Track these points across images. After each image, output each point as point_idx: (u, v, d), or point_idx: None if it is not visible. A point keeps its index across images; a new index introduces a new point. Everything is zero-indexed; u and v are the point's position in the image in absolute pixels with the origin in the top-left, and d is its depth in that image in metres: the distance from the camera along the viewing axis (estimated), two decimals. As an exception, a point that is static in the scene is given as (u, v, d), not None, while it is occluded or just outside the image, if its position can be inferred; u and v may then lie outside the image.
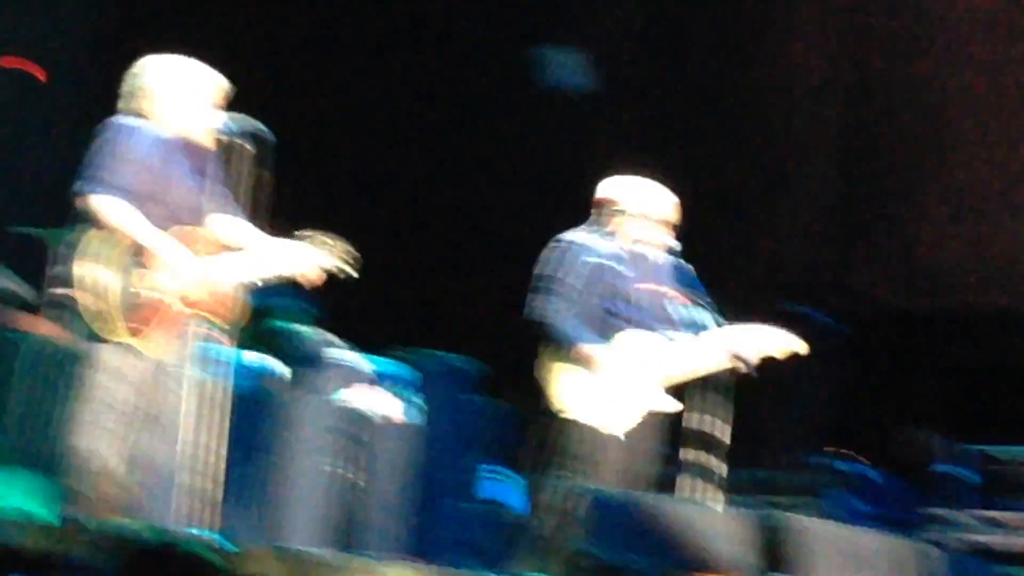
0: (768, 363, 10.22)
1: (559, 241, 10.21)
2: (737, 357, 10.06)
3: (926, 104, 16.92)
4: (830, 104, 17.47)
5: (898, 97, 17.24)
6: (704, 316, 10.13)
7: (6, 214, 11.62)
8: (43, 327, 10.24)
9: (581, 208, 10.51)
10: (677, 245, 10.40)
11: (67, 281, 8.39)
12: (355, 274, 8.99)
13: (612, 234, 10.27)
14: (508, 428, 12.85)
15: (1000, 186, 16.43)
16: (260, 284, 9.11)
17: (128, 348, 8.43)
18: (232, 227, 8.77)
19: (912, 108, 17.04)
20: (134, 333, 8.42)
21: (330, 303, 11.26)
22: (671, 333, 10.19)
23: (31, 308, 11.02)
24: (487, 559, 10.94)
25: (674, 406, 10.21)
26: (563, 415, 9.98)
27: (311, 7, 15.64)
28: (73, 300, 8.36)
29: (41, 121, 13.61)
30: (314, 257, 8.83)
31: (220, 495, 8.95)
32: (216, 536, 8.02)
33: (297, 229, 8.90)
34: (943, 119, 16.82)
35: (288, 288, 9.81)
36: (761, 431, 12.38)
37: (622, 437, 10.08)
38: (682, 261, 10.36)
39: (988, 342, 14.70)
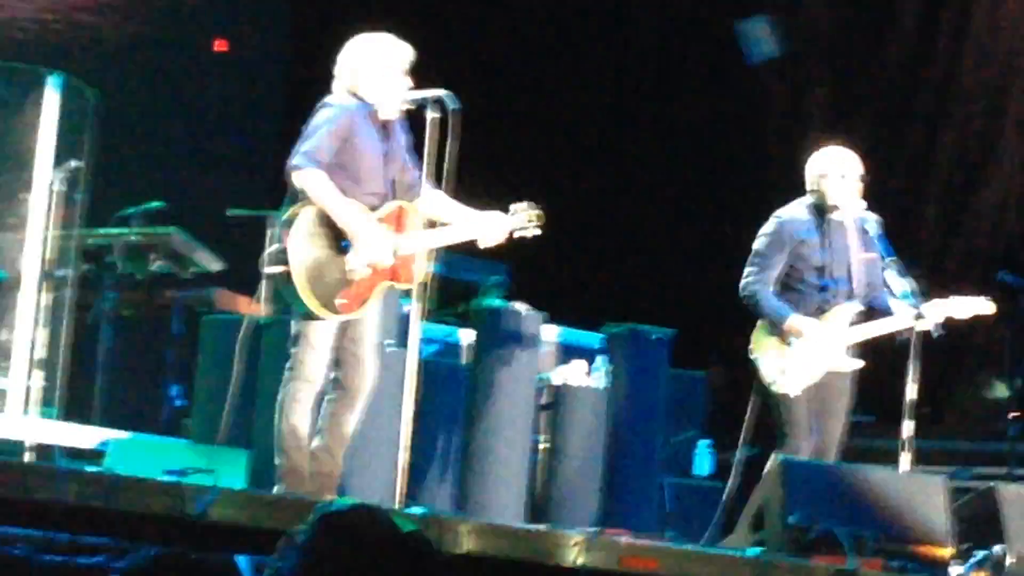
0: (969, 331, 10.17)
1: (773, 217, 10.18)
2: (931, 322, 9.94)
3: None
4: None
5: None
6: (901, 280, 9.99)
7: (221, 197, 11.60)
8: (246, 305, 10.31)
9: (796, 181, 10.37)
10: (874, 216, 10.22)
11: (278, 259, 8.51)
12: (539, 233, 8.98)
13: (819, 205, 10.18)
14: (700, 397, 12.73)
15: None
16: (451, 253, 9.31)
17: (332, 324, 8.53)
18: (435, 201, 8.79)
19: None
20: (339, 309, 8.51)
21: (526, 277, 11.19)
22: (872, 298, 10.15)
23: (231, 285, 11.19)
24: (690, 531, 10.74)
25: (858, 363, 10.15)
26: (774, 389, 9.95)
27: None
28: (284, 278, 8.48)
29: (249, 105, 13.71)
30: (505, 223, 8.86)
31: (416, 467, 9.08)
32: (420, 510, 7.98)
33: (492, 198, 8.91)
34: None
35: (483, 262, 9.81)
36: (964, 401, 12.01)
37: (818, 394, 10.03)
38: (876, 223, 10.21)
39: None
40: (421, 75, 8.90)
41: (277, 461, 8.60)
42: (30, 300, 10.51)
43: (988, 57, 15.67)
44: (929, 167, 15.55)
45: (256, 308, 9.68)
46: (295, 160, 8.50)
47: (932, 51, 16.03)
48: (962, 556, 9.23)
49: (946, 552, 9.16)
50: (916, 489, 9.59)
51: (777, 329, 10.05)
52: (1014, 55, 16.23)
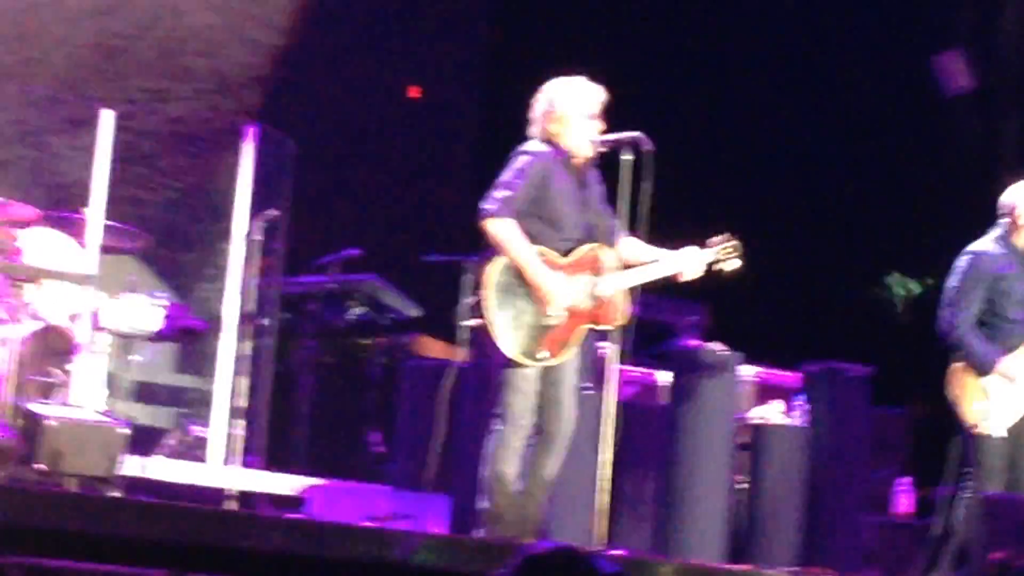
0: None
1: (965, 253, 10.03)
2: None
3: None
4: None
5: None
6: None
7: (417, 243, 11.80)
8: (445, 351, 10.46)
9: (989, 217, 10.22)
10: None
11: (476, 312, 8.63)
12: (739, 264, 9.07)
13: (1012, 241, 10.02)
14: (900, 434, 12.65)
15: None
16: (648, 294, 9.17)
17: (535, 369, 8.59)
18: (631, 245, 8.86)
19: None
20: (540, 357, 8.57)
21: (723, 316, 11.21)
22: None
23: (424, 330, 11.30)
24: (892, 570, 10.82)
25: None
26: (977, 430, 9.82)
27: (692, 17, 15.30)
28: (482, 328, 8.60)
29: (443, 150, 13.77)
30: (704, 257, 8.94)
31: (615, 509, 9.11)
32: (619, 551, 8.10)
33: (688, 239, 8.94)
34: None
35: (680, 302, 9.85)
36: None
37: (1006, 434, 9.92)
38: None
39: None
40: (614, 117, 8.89)
41: (482, 505, 8.65)
42: (230, 349, 10.72)
43: None
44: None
45: (455, 354, 9.68)
46: (488, 206, 8.60)
47: None
48: None
49: None
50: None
51: (980, 371, 9.88)
52: None
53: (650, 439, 10.61)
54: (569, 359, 8.71)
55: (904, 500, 12.28)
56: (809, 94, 15.35)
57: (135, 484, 9.21)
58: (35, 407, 8.94)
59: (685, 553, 10.08)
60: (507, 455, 8.59)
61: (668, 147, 8.85)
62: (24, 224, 10.13)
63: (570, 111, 8.78)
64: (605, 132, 8.83)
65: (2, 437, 8.61)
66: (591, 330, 8.86)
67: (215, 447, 10.58)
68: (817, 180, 14.70)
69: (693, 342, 11.11)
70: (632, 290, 9.01)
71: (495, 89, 12.05)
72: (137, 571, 6.63)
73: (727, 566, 9.62)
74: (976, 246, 10.04)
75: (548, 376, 8.67)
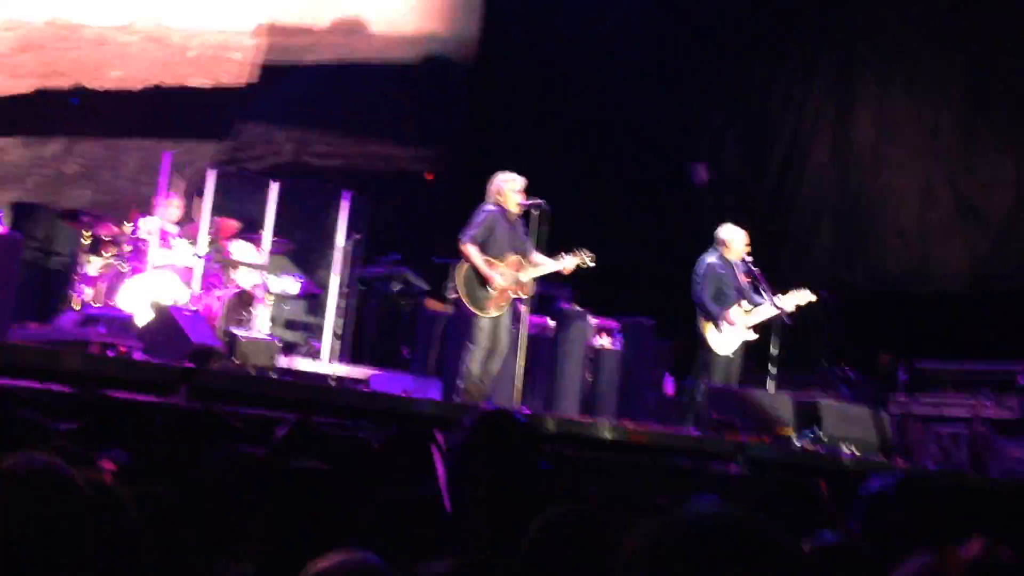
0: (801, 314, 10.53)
1: (702, 261, 10.37)
2: (782, 311, 10.29)
3: None
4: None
5: None
6: (765, 292, 10.33)
7: (430, 250, 11.51)
8: (441, 306, 10.69)
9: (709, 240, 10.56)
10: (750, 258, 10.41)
11: (454, 288, 9.23)
12: (593, 264, 9.45)
13: (722, 253, 10.43)
14: (669, 355, 12.51)
15: None
16: (542, 279, 9.64)
17: (487, 315, 9.16)
18: (537, 256, 9.33)
19: None
20: (489, 308, 9.17)
21: (583, 290, 11.27)
22: (753, 301, 10.38)
23: (431, 296, 11.21)
24: (662, 420, 10.81)
25: (753, 335, 10.43)
26: (708, 349, 10.31)
27: (569, 147, 14.46)
28: (460, 296, 9.19)
29: (444, 207, 13.07)
30: (575, 261, 9.39)
31: (524, 390, 9.47)
32: (520, 409, 8.48)
33: (563, 249, 9.40)
34: None
35: (558, 284, 10.30)
36: (804, 354, 12.26)
37: (731, 356, 10.36)
38: (751, 265, 10.41)
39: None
40: (530, 191, 9.36)
41: (460, 386, 9.14)
42: (332, 304, 10.87)
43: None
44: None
45: (447, 309, 10.07)
46: (462, 236, 9.15)
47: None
48: (799, 433, 9.62)
49: (791, 432, 9.59)
50: (776, 401, 10.00)
51: (713, 321, 10.27)
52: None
53: (543, 354, 10.70)
54: (504, 313, 9.24)
55: (669, 385, 12.27)
56: (620, 179, 14.61)
57: (284, 371, 9.46)
58: (234, 330, 9.31)
59: (560, 411, 10.31)
60: (473, 361, 9.11)
61: (556, 208, 9.35)
62: (230, 237, 10.21)
63: (506, 189, 9.26)
64: (525, 199, 9.30)
65: (219, 346, 8.74)
66: (515, 298, 9.33)
67: (325, 353, 10.69)
68: (630, 221, 14.10)
69: (566, 304, 11.25)
70: (536, 278, 9.48)
71: (470, 174, 11.88)
72: (281, 414, 6.29)
73: (579, 418, 9.80)
74: (707, 257, 10.40)
75: (494, 322, 9.20)
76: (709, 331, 10.31)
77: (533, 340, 9.86)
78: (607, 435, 8.33)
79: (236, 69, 13.28)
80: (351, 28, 14.10)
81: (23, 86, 12.19)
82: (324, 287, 10.97)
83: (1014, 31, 13.31)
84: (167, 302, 9.08)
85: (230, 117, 13.03)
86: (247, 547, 3.13)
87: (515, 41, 14.40)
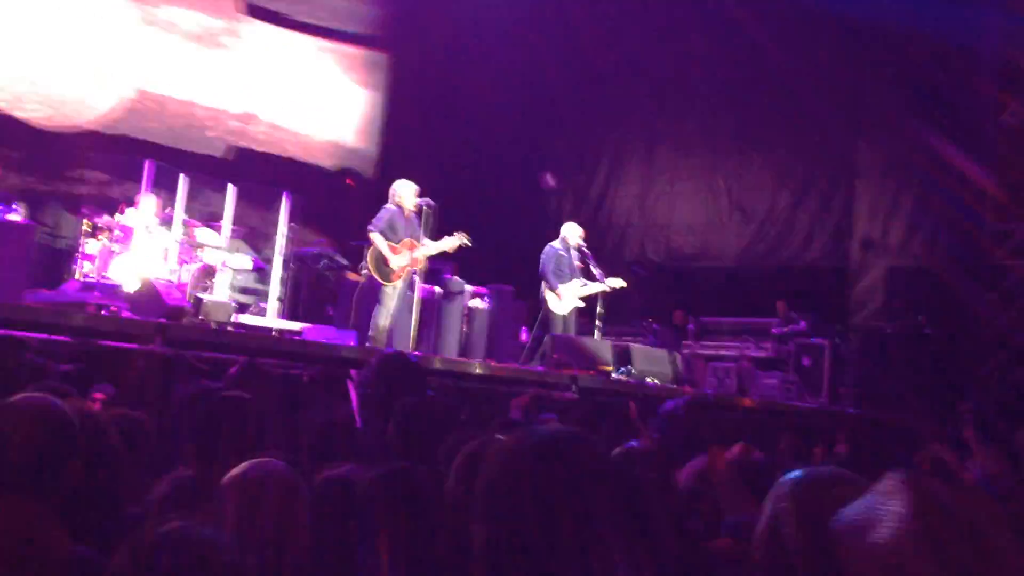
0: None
1: (549, 247, 10.22)
2: (608, 285, 10.28)
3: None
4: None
5: None
6: (596, 271, 10.24)
7: (352, 236, 10.72)
8: (356, 277, 10.19)
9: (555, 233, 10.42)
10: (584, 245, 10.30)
11: (366, 265, 9.01)
12: (469, 245, 9.26)
13: (564, 241, 10.31)
14: (523, 311, 11.92)
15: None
16: (432, 256, 9.30)
17: (391, 285, 8.95)
18: (423, 240, 9.11)
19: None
20: (392, 279, 8.95)
21: (462, 264, 10.97)
22: (582, 279, 10.27)
23: (350, 270, 10.79)
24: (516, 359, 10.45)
25: (582, 304, 10.28)
26: (550, 310, 10.17)
27: (457, 165, 13.83)
28: (369, 270, 8.98)
29: (359, 206, 12.02)
30: (453, 242, 9.19)
31: (416, 337, 9.25)
32: (413, 352, 8.39)
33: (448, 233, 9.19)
34: None
35: (444, 258, 10.22)
36: (621, 312, 12.05)
37: (567, 315, 10.19)
38: (585, 249, 10.31)
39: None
40: (423, 192, 9.14)
41: (370, 335, 8.91)
42: (276, 275, 10.52)
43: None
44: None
45: (360, 279, 9.69)
46: (371, 226, 8.92)
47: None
48: (616, 369, 9.61)
49: (611, 368, 9.57)
50: (601, 346, 9.96)
51: (553, 290, 10.12)
52: None
53: (431, 314, 10.49)
54: (403, 283, 9.02)
55: (524, 335, 11.60)
56: (492, 186, 14.27)
57: (238, 325, 9.03)
58: (200, 295, 9.00)
59: (443, 354, 10.09)
60: (380, 318, 8.90)
61: (441, 205, 9.18)
62: (196, 226, 9.99)
63: (403, 192, 9.06)
64: (418, 199, 9.08)
65: (187, 307, 8.33)
66: (411, 272, 9.10)
67: (270, 312, 10.39)
68: (499, 215, 13.62)
69: (449, 275, 11.01)
70: (426, 256, 9.17)
71: (384, 182, 11.58)
72: (234, 357, 6.07)
73: (458, 359, 9.66)
74: (552, 244, 10.25)
75: (395, 290, 8.97)
76: (551, 298, 10.23)
77: (424, 303, 9.73)
78: (477, 371, 8.30)
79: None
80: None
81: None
82: (270, 262, 10.69)
83: (769, 83, 13.37)
84: (148, 274, 8.79)
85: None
86: (191, 456, 3.10)
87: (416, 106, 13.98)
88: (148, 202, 9.76)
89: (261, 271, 10.45)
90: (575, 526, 1.47)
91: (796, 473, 1.95)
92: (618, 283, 10.46)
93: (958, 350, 11.00)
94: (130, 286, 8.66)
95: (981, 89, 11.77)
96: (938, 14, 11.26)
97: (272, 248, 10.80)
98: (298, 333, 9.20)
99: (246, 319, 9.40)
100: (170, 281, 8.96)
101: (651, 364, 9.91)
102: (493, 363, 9.08)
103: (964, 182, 11.68)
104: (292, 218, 10.80)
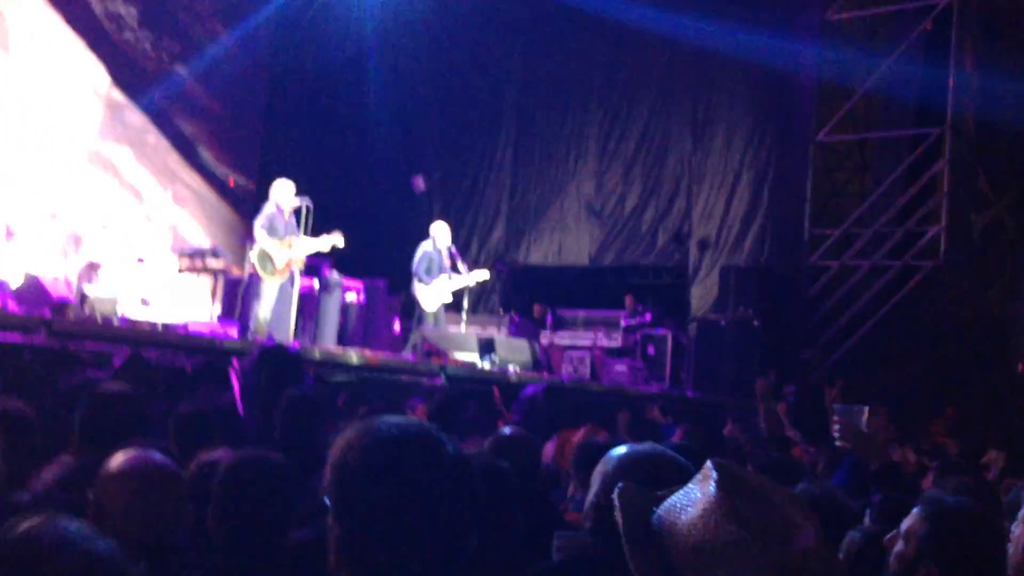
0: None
1: (419, 248, 10.11)
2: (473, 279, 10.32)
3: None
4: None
5: None
6: (462, 268, 10.23)
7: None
8: (240, 272, 9.85)
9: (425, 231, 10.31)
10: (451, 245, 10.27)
11: (250, 260, 8.88)
12: (343, 244, 9.13)
13: (433, 241, 10.19)
14: (396, 304, 11.80)
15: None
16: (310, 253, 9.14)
17: (272, 280, 8.83)
18: (303, 240, 9.00)
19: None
20: (273, 274, 8.83)
21: (337, 260, 10.67)
22: (450, 274, 10.18)
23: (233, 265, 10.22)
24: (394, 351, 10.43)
25: (450, 299, 10.26)
26: (420, 305, 10.14)
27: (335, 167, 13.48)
28: (253, 266, 8.86)
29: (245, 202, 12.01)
30: (331, 241, 9.06)
31: (296, 328, 9.20)
32: (293, 343, 8.27)
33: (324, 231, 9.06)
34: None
35: (322, 256, 10.12)
36: (486, 305, 12.50)
37: (436, 310, 10.15)
38: (453, 248, 10.27)
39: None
40: (300, 192, 8.99)
41: (252, 327, 8.75)
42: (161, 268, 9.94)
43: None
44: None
45: (244, 273, 9.55)
46: (255, 223, 8.79)
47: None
48: (481, 358, 9.59)
49: (476, 357, 9.56)
50: (467, 336, 10.06)
51: (424, 285, 10.00)
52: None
53: (310, 307, 10.19)
54: (284, 278, 8.89)
55: (396, 326, 11.70)
56: (369, 188, 14.13)
57: (123, 318, 8.28)
58: (86, 289, 8.66)
59: (321, 344, 9.81)
60: (261, 310, 8.78)
61: (322, 205, 9.19)
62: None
63: (282, 193, 8.91)
64: (296, 199, 8.95)
65: (72, 301, 8.14)
66: (291, 268, 8.94)
67: (154, 305, 9.62)
68: (375, 216, 13.64)
69: (327, 271, 10.67)
70: (305, 253, 9.03)
71: (264, 183, 11.19)
72: (119, 348, 5.98)
73: (339, 348, 9.40)
74: (423, 244, 10.12)
75: (276, 285, 8.86)
76: (421, 293, 10.18)
77: (303, 296, 9.59)
78: (354, 360, 8.20)
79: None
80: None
81: None
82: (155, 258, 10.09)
83: (621, 96, 13.60)
84: (34, 271, 8.40)
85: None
86: (75, 445, 3.03)
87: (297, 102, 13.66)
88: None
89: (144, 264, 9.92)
90: (426, 519, 1.44)
91: (620, 450, 2.00)
92: (483, 276, 10.49)
93: (781, 340, 11.38)
94: (15, 281, 8.25)
95: (802, 109, 12.30)
96: (766, 43, 11.69)
97: (159, 245, 10.26)
98: (182, 325, 8.77)
99: (131, 312, 8.97)
100: (55, 277, 8.57)
101: (512, 353, 9.99)
102: (368, 352, 8.98)
103: (787, 192, 12.22)
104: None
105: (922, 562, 2.09)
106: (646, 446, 2.04)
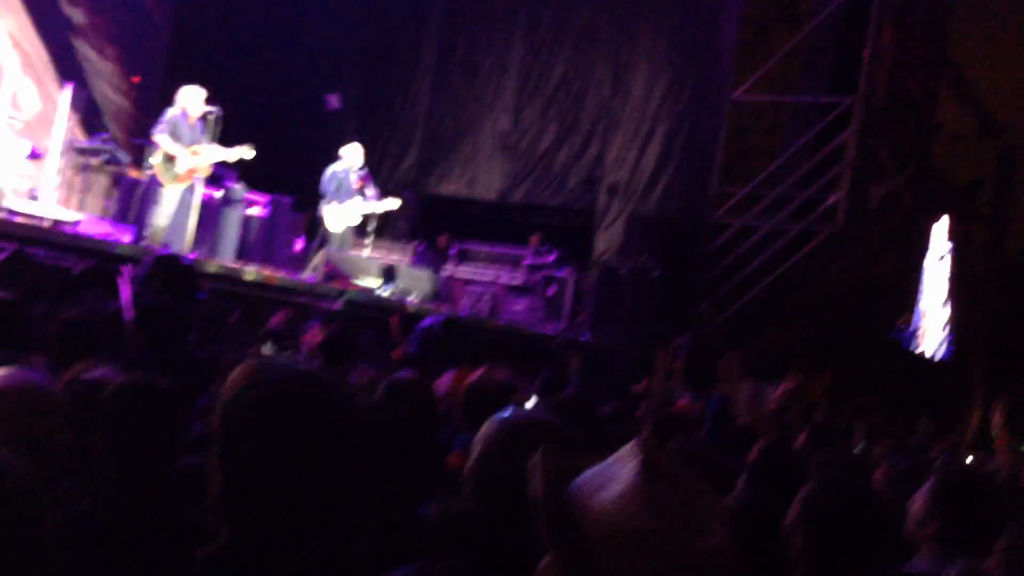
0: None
1: (330, 166, 10.01)
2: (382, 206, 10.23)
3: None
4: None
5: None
6: (373, 192, 10.12)
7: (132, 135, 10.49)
8: (138, 174, 9.59)
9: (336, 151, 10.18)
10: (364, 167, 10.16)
11: (150, 165, 8.60)
12: (252, 156, 8.95)
13: (344, 162, 10.08)
14: (300, 222, 11.58)
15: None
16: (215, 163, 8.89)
17: (173, 186, 8.55)
18: (210, 148, 8.71)
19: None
20: (175, 180, 8.57)
21: (241, 172, 10.25)
22: (359, 198, 10.12)
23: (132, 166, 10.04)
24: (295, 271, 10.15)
25: (358, 221, 10.16)
26: (326, 226, 9.96)
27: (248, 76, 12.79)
28: (153, 169, 8.59)
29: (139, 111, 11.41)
30: (238, 153, 8.86)
31: (194, 240, 8.87)
32: (193, 256, 8.14)
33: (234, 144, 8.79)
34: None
35: (227, 168, 9.86)
36: (392, 233, 12.21)
37: (342, 232, 10.08)
38: (364, 171, 10.14)
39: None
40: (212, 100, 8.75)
41: (146, 234, 8.51)
42: (53, 162, 9.56)
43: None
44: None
45: (143, 177, 9.26)
46: (154, 130, 8.54)
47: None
48: (382, 285, 9.58)
49: (378, 284, 9.62)
50: (369, 261, 9.93)
51: (331, 204, 9.91)
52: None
53: (211, 218, 9.65)
54: (184, 186, 8.60)
55: (300, 245, 11.29)
56: (281, 100, 13.41)
57: (8, 210, 8.08)
58: None
59: (219, 258, 9.46)
60: (158, 218, 8.50)
61: (228, 113, 8.82)
62: None
63: (189, 98, 8.64)
64: (204, 106, 8.66)
65: None
66: (194, 176, 8.65)
67: (45, 200, 9.15)
68: (285, 130, 13.01)
69: (231, 182, 10.23)
70: (211, 162, 8.75)
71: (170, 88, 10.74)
72: (2, 245, 5.81)
73: (236, 264, 9.13)
74: (334, 165, 10.01)
75: (177, 192, 8.59)
76: (328, 213, 10.04)
77: (204, 207, 9.24)
78: (250, 277, 8.11)
79: None
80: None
81: None
82: (47, 151, 9.66)
83: (547, 29, 13.48)
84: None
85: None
86: None
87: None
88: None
89: (38, 158, 9.49)
90: (312, 469, 1.42)
91: (504, 414, 2.00)
92: (392, 204, 10.39)
93: (680, 291, 11.60)
94: None
95: (721, 67, 12.42)
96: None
97: (50, 136, 9.76)
98: (73, 224, 8.52)
99: (18, 204, 8.58)
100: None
101: (414, 282, 9.99)
102: (267, 270, 8.84)
103: (699, 146, 12.36)
104: (74, 106, 9.89)
105: (796, 531, 2.28)
106: (531, 412, 2.03)
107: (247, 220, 10.52)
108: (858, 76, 11.53)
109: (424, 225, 13.01)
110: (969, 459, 7.02)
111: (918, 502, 2.70)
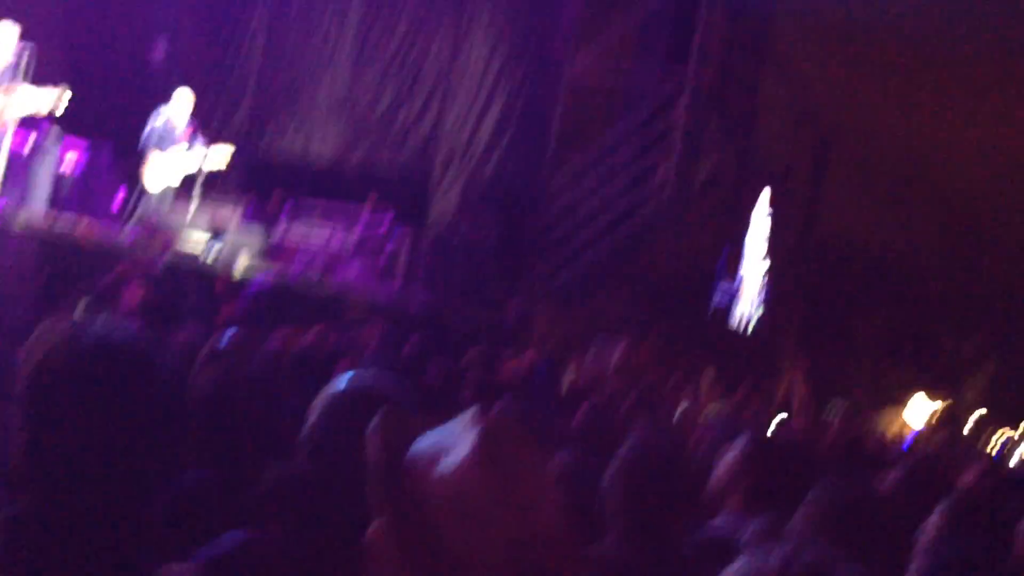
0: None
1: (153, 115, 9.38)
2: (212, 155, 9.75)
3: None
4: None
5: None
6: (199, 145, 9.73)
7: None
8: None
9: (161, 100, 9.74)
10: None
11: None
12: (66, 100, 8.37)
13: (173, 108, 9.64)
14: (122, 171, 10.43)
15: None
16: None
17: None
18: (19, 86, 8.25)
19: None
20: None
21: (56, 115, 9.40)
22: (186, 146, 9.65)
23: None
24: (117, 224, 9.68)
25: (179, 181, 9.69)
26: (151, 177, 9.50)
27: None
28: None
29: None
30: (53, 95, 8.42)
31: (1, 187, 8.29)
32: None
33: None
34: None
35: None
36: (222, 191, 11.24)
37: (161, 192, 9.55)
38: (193, 118, 9.67)
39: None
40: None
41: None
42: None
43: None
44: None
45: None
46: None
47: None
48: (211, 242, 9.28)
49: (205, 241, 9.26)
50: (197, 219, 9.69)
51: (155, 152, 9.46)
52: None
53: (21, 167, 8.97)
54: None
55: (120, 198, 10.34)
56: (102, 41, 12.47)
57: None
58: None
59: (30, 207, 8.84)
60: None
61: (45, 48, 8.31)
62: None
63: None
64: (17, 42, 8.14)
65: None
66: (2, 119, 8.17)
67: None
68: (108, 69, 12.16)
69: (46, 125, 9.19)
70: (24, 104, 8.26)
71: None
72: None
73: (45, 214, 8.68)
74: (160, 109, 9.48)
75: None
76: (152, 164, 9.52)
77: (14, 153, 8.63)
78: (63, 231, 7.64)
79: None
80: None
81: None
82: None
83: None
84: None
85: None
86: None
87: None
88: None
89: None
90: (125, 440, 1.40)
91: (340, 379, 1.98)
92: (222, 154, 9.96)
93: (514, 258, 11.72)
94: None
95: (560, 37, 12.51)
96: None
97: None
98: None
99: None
100: None
101: (243, 240, 9.68)
102: (84, 226, 8.33)
103: (537, 115, 12.42)
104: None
105: (612, 492, 2.35)
106: (365, 377, 2.02)
107: (62, 168, 9.93)
108: (690, 55, 11.85)
109: (255, 181, 12.56)
110: (776, 420, 7.43)
111: (724, 464, 2.79)
